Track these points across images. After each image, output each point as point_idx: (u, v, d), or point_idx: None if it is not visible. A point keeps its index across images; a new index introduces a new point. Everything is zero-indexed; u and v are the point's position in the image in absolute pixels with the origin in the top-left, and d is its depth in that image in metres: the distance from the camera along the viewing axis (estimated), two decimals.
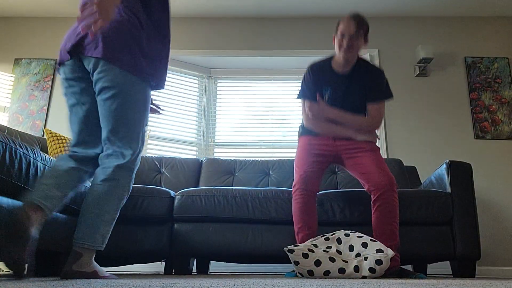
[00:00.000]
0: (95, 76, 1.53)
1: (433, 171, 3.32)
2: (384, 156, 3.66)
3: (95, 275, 1.47)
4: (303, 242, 1.95)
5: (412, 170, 3.20)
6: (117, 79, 1.51)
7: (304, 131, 2.29)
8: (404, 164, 3.28)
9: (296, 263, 1.77)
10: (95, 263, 1.51)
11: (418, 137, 3.75)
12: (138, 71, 1.55)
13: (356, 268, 1.72)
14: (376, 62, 3.95)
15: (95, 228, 1.47)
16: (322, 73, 2.21)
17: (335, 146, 2.19)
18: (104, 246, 1.51)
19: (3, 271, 3.15)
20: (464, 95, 3.85)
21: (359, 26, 2.08)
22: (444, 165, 2.50)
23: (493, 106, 3.79)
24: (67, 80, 1.64)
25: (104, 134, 1.55)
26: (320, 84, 2.20)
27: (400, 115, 3.81)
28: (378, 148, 2.18)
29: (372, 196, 2.05)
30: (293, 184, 2.14)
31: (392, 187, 2.00)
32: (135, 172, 1.58)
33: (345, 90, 2.18)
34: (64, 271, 1.43)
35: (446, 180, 2.45)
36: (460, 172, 2.44)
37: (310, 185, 2.09)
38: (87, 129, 1.63)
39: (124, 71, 1.52)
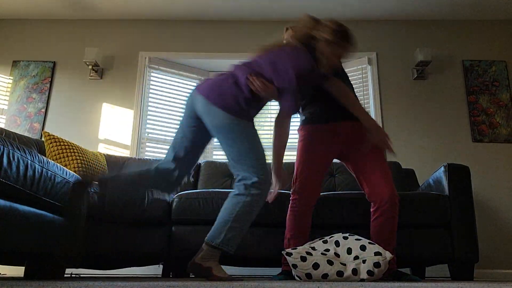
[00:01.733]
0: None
1: (431, 174, 3.32)
2: None
3: (208, 271, 1.72)
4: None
5: (410, 173, 3.20)
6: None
7: (310, 119, 2.15)
8: (402, 167, 3.28)
9: (294, 266, 1.76)
10: (219, 265, 1.75)
11: (416, 140, 3.76)
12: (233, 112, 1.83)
13: (354, 271, 1.72)
14: (374, 65, 3.96)
15: (219, 230, 1.75)
16: None
17: (343, 134, 2.08)
18: (230, 248, 1.74)
19: (0, 274, 3.13)
20: (462, 98, 3.86)
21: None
22: (442, 168, 2.50)
23: (491, 109, 3.80)
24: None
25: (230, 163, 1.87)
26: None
27: (398, 118, 3.82)
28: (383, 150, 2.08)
29: (372, 205, 2.00)
30: (292, 188, 2.07)
31: (395, 200, 1.95)
32: (263, 194, 1.80)
33: None
34: (190, 261, 1.74)
35: (444, 183, 2.46)
36: (458, 175, 2.44)
37: (314, 193, 2.05)
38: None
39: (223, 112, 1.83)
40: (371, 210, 2.01)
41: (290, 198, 2.09)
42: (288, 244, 2.03)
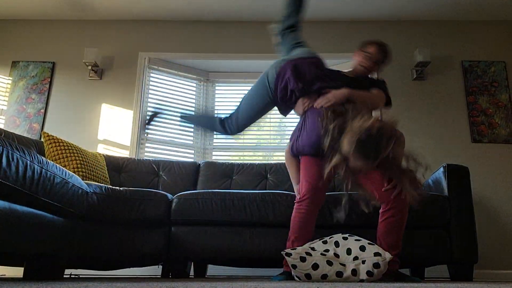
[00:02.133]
0: None
1: (431, 174, 3.32)
2: None
3: None
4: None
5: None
6: None
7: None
8: None
9: (294, 266, 1.76)
10: None
11: (415, 141, 3.75)
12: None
13: (354, 272, 1.72)
14: None
15: None
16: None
17: None
18: None
19: None
20: (461, 98, 3.87)
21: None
22: (442, 169, 2.51)
23: (490, 110, 3.80)
24: None
25: None
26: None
27: (398, 118, 3.81)
28: None
29: (383, 207, 1.97)
30: (301, 194, 2.04)
31: (406, 201, 1.93)
32: (227, 126, 2.27)
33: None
34: None
35: (444, 183, 2.46)
36: (458, 176, 2.44)
37: (319, 198, 2.04)
38: None
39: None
40: (381, 211, 1.97)
41: (296, 201, 2.07)
42: (291, 246, 2.00)
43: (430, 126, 3.79)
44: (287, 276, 1.96)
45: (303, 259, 1.74)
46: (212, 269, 3.30)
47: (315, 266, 1.73)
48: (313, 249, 1.81)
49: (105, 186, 2.27)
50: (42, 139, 2.70)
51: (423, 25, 4.12)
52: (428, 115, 3.82)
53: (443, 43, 4.05)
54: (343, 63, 4.05)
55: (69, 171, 1.94)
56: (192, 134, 4.01)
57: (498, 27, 4.08)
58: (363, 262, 1.72)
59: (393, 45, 4.05)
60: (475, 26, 4.09)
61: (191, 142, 3.99)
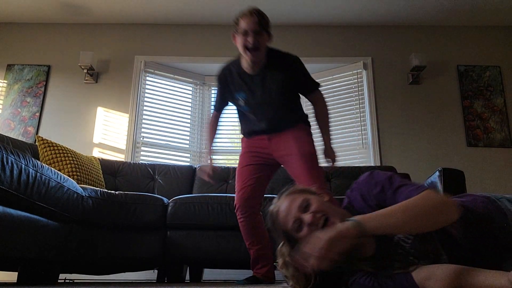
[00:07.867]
0: None
1: (426, 179, 3.33)
2: (377, 163, 3.66)
3: None
4: (256, 256, 2.03)
5: (405, 178, 3.20)
6: None
7: (243, 134, 2.25)
8: (398, 172, 3.29)
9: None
10: None
11: (411, 145, 3.77)
12: None
13: None
14: (370, 70, 3.97)
15: None
16: (231, 79, 2.07)
17: (269, 148, 2.10)
18: None
19: None
20: (457, 103, 3.88)
21: (261, 21, 1.93)
22: (437, 173, 2.51)
23: (485, 114, 3.82)
24: None
25: None
26: (231, 91, 2.09)
27: (393, 122, 3.83)
28: (311, 153, 2.02)
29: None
30: (234, 203, 2.09)
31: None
32: None
33: (262, 89, 2.01)
34: None
35: (439, 187, 2.46)
36: (453, 179, 2.45)
37: (250, 202, 2.05)
38: None
39: None
40: None
41: (234, 210, 2.09)
42: (252, 255, 2.07)
43: (425, 130, 3.80)
44: (252, 280, 1.99)
45: None
46: (208, 273, 3.29)
47: None
48: None
49: (100, 190, 2.26)
50: (36, 143, 2.68)
51: (419, 30, 4.14)
52: (424, 119, 3.83)
53: (438, 47, 4.07)
54: (338, 67, 4.07)
55: (64, 175, 1.93)
56: (188, 138, 4.00)
57: (493, 32, 4.11)
58: None
59: (389, 49, 4.09)
60: (470, 31, 4.12)
61: (187, 146, 3.98)
